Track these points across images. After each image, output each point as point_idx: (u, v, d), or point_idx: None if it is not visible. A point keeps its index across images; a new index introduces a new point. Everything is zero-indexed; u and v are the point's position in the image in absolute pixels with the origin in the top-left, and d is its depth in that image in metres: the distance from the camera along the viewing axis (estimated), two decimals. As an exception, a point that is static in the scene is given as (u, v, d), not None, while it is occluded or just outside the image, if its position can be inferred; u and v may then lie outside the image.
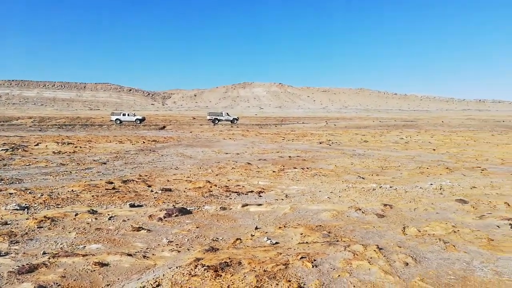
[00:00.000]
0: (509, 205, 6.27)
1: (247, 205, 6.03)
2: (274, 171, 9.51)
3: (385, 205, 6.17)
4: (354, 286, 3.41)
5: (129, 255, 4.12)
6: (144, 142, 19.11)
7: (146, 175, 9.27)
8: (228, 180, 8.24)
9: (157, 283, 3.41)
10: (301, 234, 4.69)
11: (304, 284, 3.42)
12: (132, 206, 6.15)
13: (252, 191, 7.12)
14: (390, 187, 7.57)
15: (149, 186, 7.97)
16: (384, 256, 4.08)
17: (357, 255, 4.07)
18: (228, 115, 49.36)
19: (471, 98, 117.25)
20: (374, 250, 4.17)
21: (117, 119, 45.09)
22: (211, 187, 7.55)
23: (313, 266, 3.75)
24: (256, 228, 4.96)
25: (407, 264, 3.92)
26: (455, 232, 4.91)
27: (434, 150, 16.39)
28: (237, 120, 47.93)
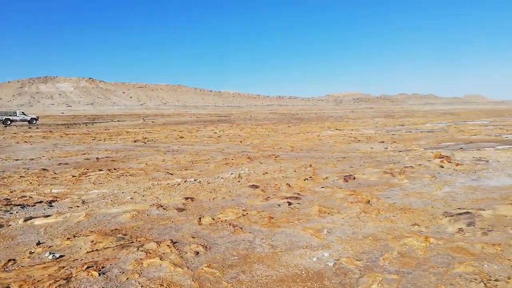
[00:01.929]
0: (290, 186, 7.41)
1: (31, 218, 5.23)
2: (74, 176, 8.61)
3: (187, 198, 6.39)
4: (142, 286, 3.36)
5: None
6: None
7: None
8: (11, 192, 6.99)
9: None
10: (92, 241, 4.36)
11: (86, 297, 3.17)
12: None
13: (41, 202, 6.23)
14: (195, 180, 7.90)
15: None
16: (177, 249, 4.19)
17: (149, 253, 4.04)
18: (25, 114, 42.17)
19: (273, 95, 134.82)
20: (168, 245, 4.23)
21: None
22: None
23: (100, 274, 3.53)
24: (38, 243, 4.35)
25: (197, 253, 4.11)
26: (244, 215, 5.46)
27: (241, 142, 18.02)
28: (36, 120, 41.47)
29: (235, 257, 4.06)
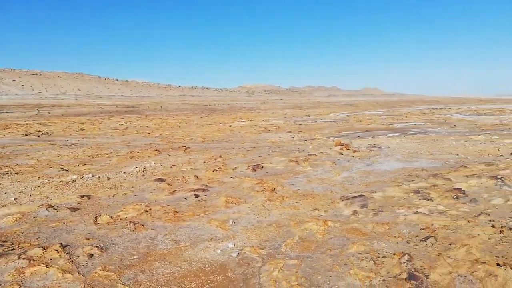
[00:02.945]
0: (197, 178, 7.26)
1: None
2: None
3: (83, 196, 5.84)
4: (20, 300, 2.94)
5: None
6: None
7: None
8: None
9: None
10: (-41, 254, 3.70)
11: None
12: None
13: None
14: (93, 176, 7.28)
15: None
16: (67, 253, 3.78)
17: (33, 260, 3.58)
18: None
19: (185, 85, 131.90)
20: (56, 250, 3.79)
21: None
22: None
23: (-35, 292, 3.00)
24: None
25: (91, 255, 3.76)
26: (146, 211, 5.17)
27: (149, 134, 17.24)
28: None
29: (135, 257, 3.80)
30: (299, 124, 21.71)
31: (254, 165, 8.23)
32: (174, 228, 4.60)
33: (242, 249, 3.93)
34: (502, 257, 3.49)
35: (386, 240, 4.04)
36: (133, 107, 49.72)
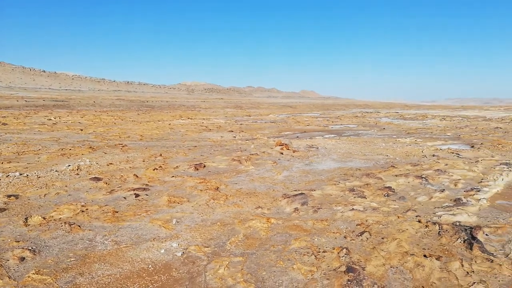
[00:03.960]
0: (137, 177, 7.02)
1: None
2: None
3: (10, 196, 5.37)
4: None
5: None
6: None
7: None
8: None
9: None
10: None
11: None
12: None
13: None
14: (20, 174, 6.71)
15: None
16: (-6, 258, 3.46)
17: (-47, 267, 3.23)
18: None
19: (121, 80, 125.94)
20: (-20, 255, 3.46)
21: None
22: None
23: None
24: None
25: (23, 259, 3.49)
26: (83, 211, 4.90)
27: (82, 130, 16.27)
28: None
29: (72, 259, 3.59)
30: (240, 124, 21.88)
31: (196, 164, 8.16)
32: (114, 228, 4.41)
33: (187, 248, 3.89)
34: (428, 249, 3.85)
35: (326, 235, 4.25)
36: (62, 101, 46.49)
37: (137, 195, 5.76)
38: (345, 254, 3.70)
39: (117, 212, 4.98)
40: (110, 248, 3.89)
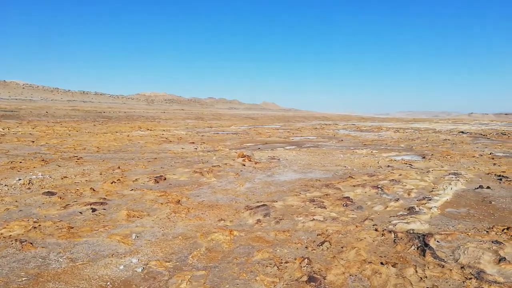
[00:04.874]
0: (94, 190, 6.76)
1: None
2: None
3: (-48, 213, 4.99)
4: None
5: None
6: None
7: None
8: None
9: None
10: None
11: None
12: None
13: None
14: (-36, 189, 6.26)
15: None
16: None
17: None
18: None
19: (76, 89, 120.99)
20: None
21: None
22: None
23: None
24: None
25: (-33, 282, 3.25)
26: (35, 228, 4.65)
27: (33, 142, 15.45)
28: None
29: (24, 278, 3.39)
30: (202, 135, 21.73)
31: (156, 177, 8.00)
32: (69, 245, 4.22)
33: (147, 264, 3.80)
34: (385, 256, 4.01)
35: (288, 246, 4.31)
36: (12, 111, 43.97)
37: (94, 210, 5.54)
38: (306, 264, 3.77)
39: (73, 227, 4.77)
40: (65, 266, 3.72)
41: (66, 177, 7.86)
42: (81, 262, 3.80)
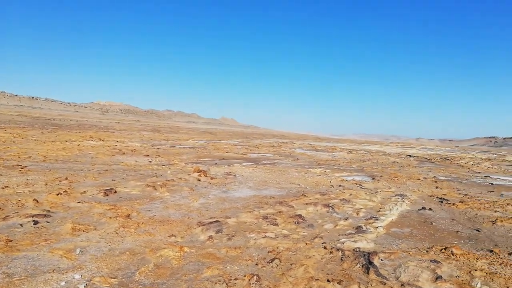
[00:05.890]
0: (37, 202, 6.41)
1: None
2: None
3: None
4: None
5: None
6: None
7: None
8: None
9: None
10: None
11: None
12: None
13: None
14: None
15: None
16: None
17: None
18: None
19: (24, 94, 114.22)
20: None
21: None
22: None
23: None
24: None
25: None
26: (-32, 241, 4.32)
27: (-28, 147, 14.38)
28: None
29: (-51, 297, 3.13)
30: (157, 148, 21.28)
31: (106, 189, 7.72)
32: (6, 259, 3.95)
33: (91, 280, 3.64)
34: (331, 274, 4.13)
35: (238, 263, 4.32)
36: (-51, 113, 40.83)
37: (36, 222, 5.25)
38: (255, 281, 3.80)
39: (11, 241, 4.48)
40: (0, 281, 3.47)
41: (7, 186, 7.38)
42: (18, 278, 3.58)
